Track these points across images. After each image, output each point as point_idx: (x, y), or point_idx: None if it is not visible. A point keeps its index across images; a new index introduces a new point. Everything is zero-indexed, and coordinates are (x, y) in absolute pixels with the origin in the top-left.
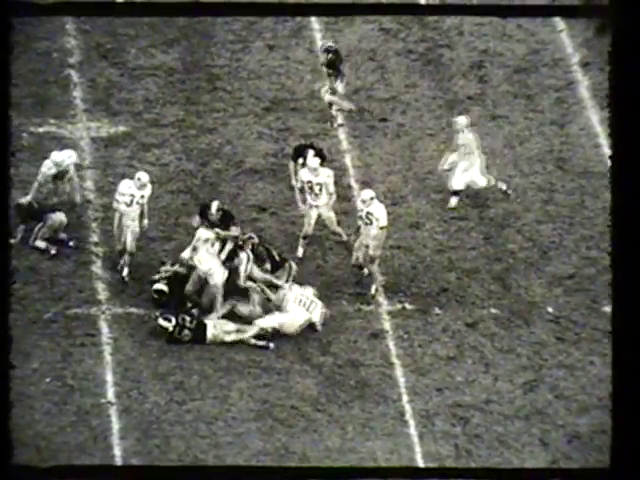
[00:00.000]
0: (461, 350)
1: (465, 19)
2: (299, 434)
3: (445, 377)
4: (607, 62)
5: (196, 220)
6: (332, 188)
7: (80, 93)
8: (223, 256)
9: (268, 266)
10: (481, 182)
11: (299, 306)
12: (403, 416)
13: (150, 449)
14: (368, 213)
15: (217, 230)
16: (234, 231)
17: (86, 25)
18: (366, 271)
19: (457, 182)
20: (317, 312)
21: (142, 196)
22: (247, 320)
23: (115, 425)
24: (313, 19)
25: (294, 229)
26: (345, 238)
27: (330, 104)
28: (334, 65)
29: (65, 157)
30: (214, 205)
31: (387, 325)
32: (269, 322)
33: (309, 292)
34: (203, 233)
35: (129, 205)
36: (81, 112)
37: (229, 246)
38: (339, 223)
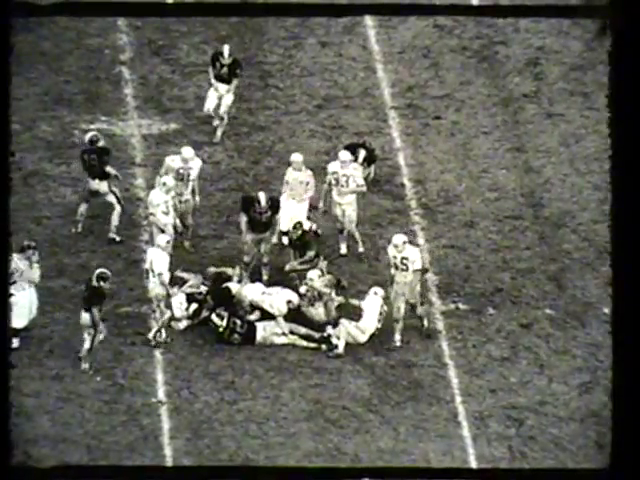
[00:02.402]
0: (515, 351)
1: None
2: (351, 435)
3: (499, 378)
4: (607, 62)
5: (243, 221)
6: (360, 181)
7: (131, 90)
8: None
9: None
10: None
11: (377, 316)
12: (456, 417)
13: (201, 449)
14: (403, 258)
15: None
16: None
17: (138, 22)
18: (419, 311)
19: None
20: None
21: (189, 172)
22: (315, 325)
23: (165, 425)
24: (367, 16)
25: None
26: (362, 249)
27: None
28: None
29: (192, 157)
30: (262, 197)
31: (440, 325)
32: (346, 331)
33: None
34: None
35: (181, 179)
36: (132, 109)
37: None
38: (390, 221)
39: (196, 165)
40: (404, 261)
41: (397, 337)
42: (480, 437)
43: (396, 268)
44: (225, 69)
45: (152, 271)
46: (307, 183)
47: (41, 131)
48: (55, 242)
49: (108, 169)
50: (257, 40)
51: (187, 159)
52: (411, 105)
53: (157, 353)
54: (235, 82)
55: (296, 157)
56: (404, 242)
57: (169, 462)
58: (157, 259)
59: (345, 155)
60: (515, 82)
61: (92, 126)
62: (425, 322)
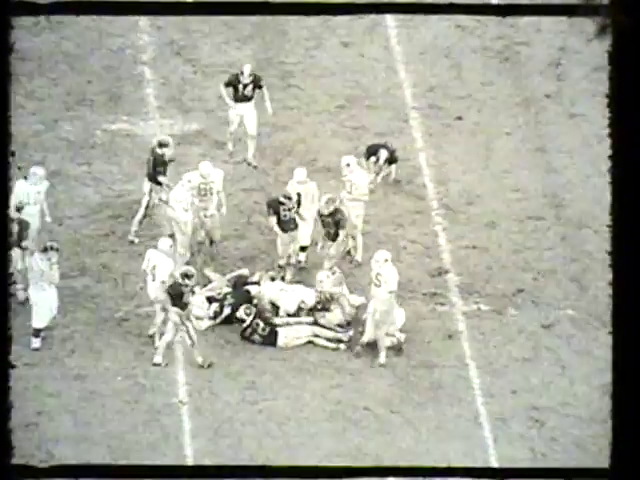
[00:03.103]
0: (537, 352)
1: (542, 18)
2: (372, 435)
3: (520, 379)
4: (607, 62)
5: (274, 223)
6: (364, 190)
7: (153, 90)
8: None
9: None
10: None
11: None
12: (477, 418)
13: (222, 449)
14: (378, 274)
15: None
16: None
17: (159, 21)
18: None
19: None
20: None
21: (211, 187)
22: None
23: (187, 425)
24: (388, 16)
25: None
26: (359, 258)
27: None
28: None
29: (211, 171)
30: (288, 195)
31: (462, 326)
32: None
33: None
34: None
35: (204, 195)
36: (154, 109)
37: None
38: (412, 222)
39: (217, 178)
40: (378, 277)
41: (381, 355)
42: (501, 438)
43: (374, 284)
44: (247, 87)
45: (153, 275)
46: (312, 196)
47: (64, 131)
48: (77, 242)
49: (161, 178)
50: (278, 40)
51: (206, 175)
52: (432, 105)
53: (178, 353)
54: (256, 97)
55: (300, 172)
56: (385, 260)
57: (190, 462)
58: (160, 264)
59: (347, 159)
60: (537, 82)
61: (114, 126)
62: (381, 351)
